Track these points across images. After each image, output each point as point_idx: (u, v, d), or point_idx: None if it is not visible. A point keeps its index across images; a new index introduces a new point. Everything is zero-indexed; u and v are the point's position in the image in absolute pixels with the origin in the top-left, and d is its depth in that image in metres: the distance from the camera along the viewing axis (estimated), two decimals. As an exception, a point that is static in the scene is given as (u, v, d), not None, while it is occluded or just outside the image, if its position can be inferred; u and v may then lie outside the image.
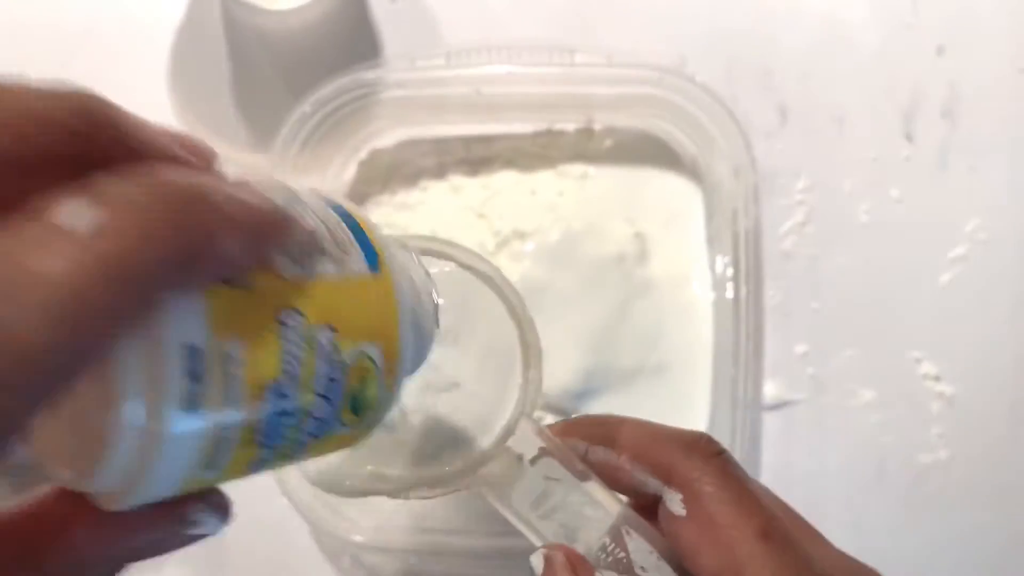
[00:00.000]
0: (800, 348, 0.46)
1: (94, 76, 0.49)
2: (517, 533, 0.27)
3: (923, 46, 0.47)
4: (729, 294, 0.42)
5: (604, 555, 0.26)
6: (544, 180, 0.46)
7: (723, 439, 0.31)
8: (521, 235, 0.45)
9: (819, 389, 0.46)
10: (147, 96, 0.47)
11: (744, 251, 0.41)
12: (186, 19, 0.47)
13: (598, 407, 0.43)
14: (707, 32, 0.47)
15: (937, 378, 0.46)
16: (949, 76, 0.46)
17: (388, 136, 0.46)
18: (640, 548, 0.26)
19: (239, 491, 0.43)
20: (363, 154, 0.46)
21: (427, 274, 0.25)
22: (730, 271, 0.42)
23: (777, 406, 0.46)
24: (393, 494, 0.28)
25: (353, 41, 0.47)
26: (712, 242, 0.44)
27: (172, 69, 0.47)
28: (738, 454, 0.39)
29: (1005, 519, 0.46)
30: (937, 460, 0.46)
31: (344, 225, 0.21)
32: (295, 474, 0.41)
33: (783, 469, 0.45)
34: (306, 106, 0.41)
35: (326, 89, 0.42)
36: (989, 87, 0.46)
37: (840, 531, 0.26)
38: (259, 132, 0.47)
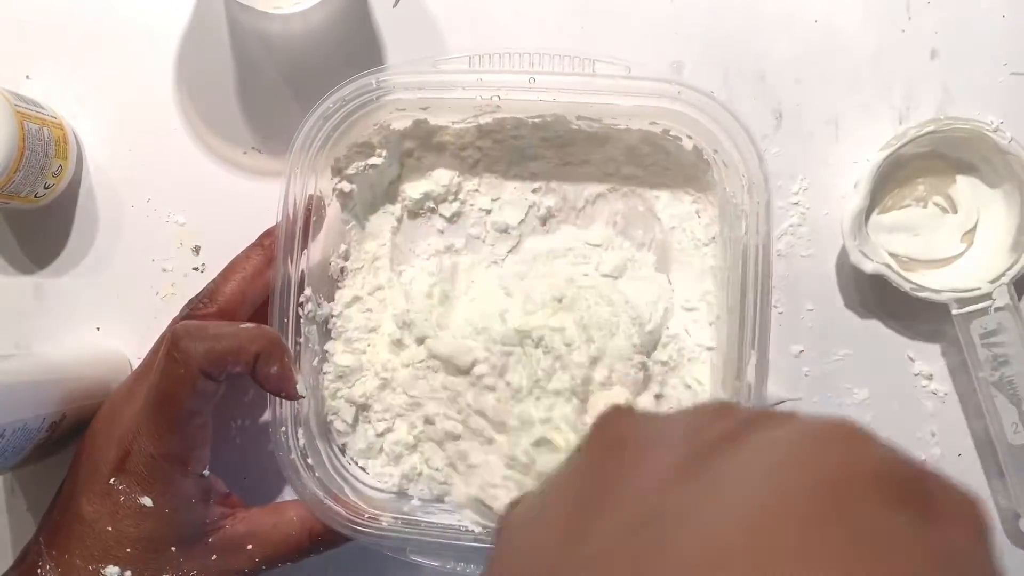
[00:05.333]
0: (796, 348, 0.47)
1: (99, 80, 0.50)
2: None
3: (917, 50, 0.47)
4: (737, 307, 0.42)
5: None
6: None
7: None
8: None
9: (815, 388, 0.47)
10: (152, 99, 0.48)
11: (755, 266, 0.41)
12: (190, 22, 0.48)
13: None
14: (704, 37, 0.47)
15: (930, 377, 0.47)
16: (943, 79, 0.47)
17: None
18: None
19: (251, 496, 0.43)
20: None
21: None
22: (739, 285, 0.42)
23: (774, 405, 0.47)
24: None
25: (355, 44, 0.48)
26: (724, 256, 0.45)
27: (176, 72, 0.48)
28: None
29: (997, 514, 0.47)
30: (931, 457, 0.47)
31: None
32: (301, 471, 0.42)
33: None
34: (328, 103, 0.41)
35: (346, 89, 0.42)
36: (982, 90, 0.47)
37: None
38: (262, 134, 0.48)
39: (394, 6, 0.48)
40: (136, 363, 0.47)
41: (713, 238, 0.46)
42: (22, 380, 0.40)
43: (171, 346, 0.38)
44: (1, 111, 0.42)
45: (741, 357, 0.41)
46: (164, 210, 0.48)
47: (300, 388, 0.39)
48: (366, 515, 0.41)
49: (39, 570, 0.38)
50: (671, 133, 0.44)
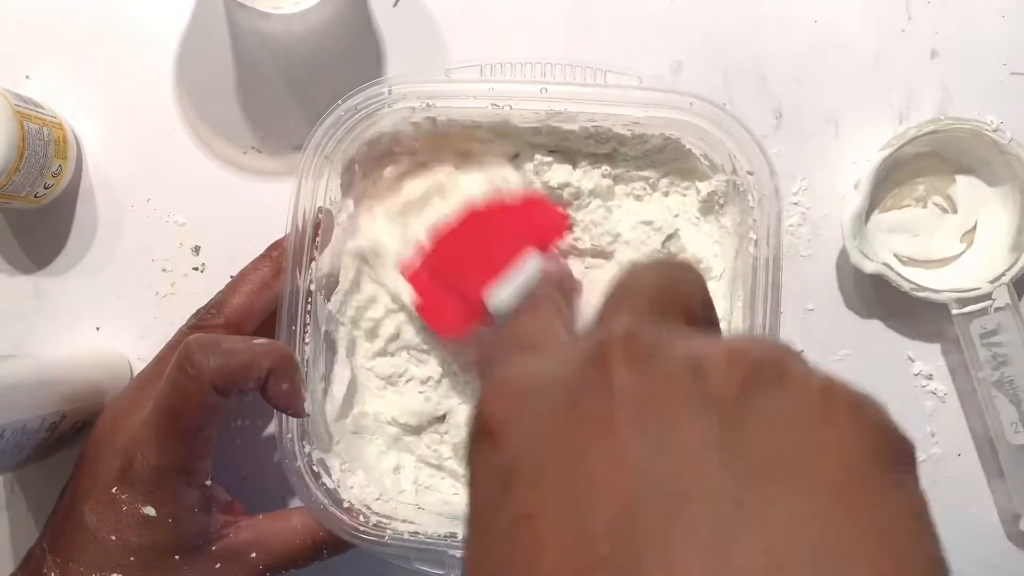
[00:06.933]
0: (795, 348, 0.47)
1: (99, 80, 0.50)
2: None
3: (917, 50, 0.47)
4: (747, 322, 0.42)
5: None
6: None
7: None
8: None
9: (814, 388, 0.47)
10: (152, 99, 0.48)
11: (765, 277, 0.41)
12: (190, 22, 0.48)
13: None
14: (704, 37, 0.47)
15: (930, 376, 0.47)
16: (943, 79, 0.47)
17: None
18: None
19: (250, 496, 0.43)
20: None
21: None
22: (749, 297, 0.42)
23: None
24: None
25: (355, 44, 0.48)
26: (733, 267, 0.44)
27: (176, 72, 0.48)
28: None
29: (997, 514, 0.47)
30: (930, 457, 0.47)
31: None
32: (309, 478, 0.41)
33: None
34: (339, 112, 0.41)
35: (357, 97, 0.41)
36: (982, 90, 0.47)
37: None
38: (262, 134, 0.48)
39: (394, 6, 0.48)
40: (136, 364, 0.47)
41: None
42: (21, 380, 0.40)
43: (184, 359, 0.37)
44: (1, 111, 0.42)
45: None
46: (164, 210, 0.48)
47: (307, 406, 0.40)
48: (371, 522, 0.41)
49: None
50: (683, 145, 0.44)
